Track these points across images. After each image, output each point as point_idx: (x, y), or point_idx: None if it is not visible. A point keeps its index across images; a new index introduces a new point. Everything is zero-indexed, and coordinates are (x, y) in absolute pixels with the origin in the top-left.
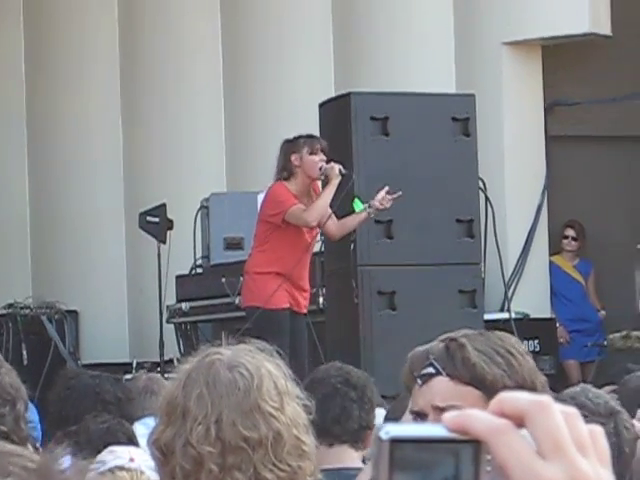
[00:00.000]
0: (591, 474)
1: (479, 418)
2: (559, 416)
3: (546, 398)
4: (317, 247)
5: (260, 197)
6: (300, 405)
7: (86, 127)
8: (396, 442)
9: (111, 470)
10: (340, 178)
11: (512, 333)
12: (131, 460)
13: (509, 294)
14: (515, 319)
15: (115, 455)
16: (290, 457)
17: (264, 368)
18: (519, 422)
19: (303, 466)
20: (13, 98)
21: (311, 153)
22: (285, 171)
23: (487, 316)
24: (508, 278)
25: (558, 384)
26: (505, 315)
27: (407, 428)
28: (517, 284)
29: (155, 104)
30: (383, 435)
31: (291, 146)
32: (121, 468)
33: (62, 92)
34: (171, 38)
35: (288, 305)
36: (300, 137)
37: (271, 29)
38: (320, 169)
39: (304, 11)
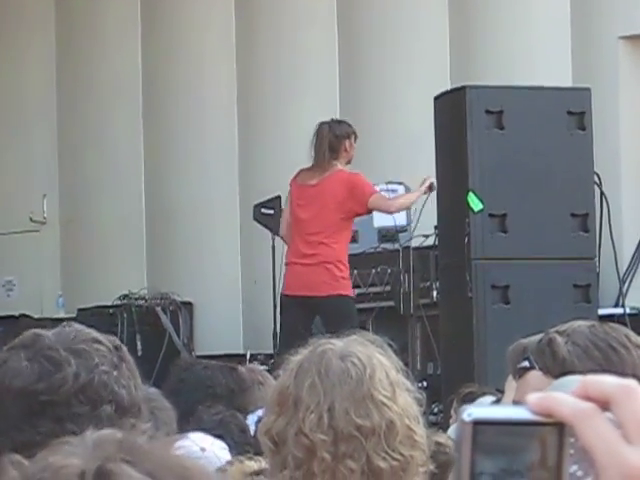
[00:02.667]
0: None
1: (564, 401)
2: None
3: (633, 382)
4: (431, 240)
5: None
6: (411, 397)
7: (202, 120)
8: (479, 424)
9: None
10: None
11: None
12: (202, 450)
13: (624, 289)
14: (630, 314)
15: (185, 447)
16: (402, 446)
17: (375, 358)
18: (604, 406)
19: (415, 456)
20: (129, 96)
21: (355, 140)
22: (333, 154)
23: (601, 311)
24: (623, 273)
25: None
26: (619, 310)
27: (490, 410)
28: (632, 279)
29: (270, 97)
30: (466, 417)
31: (345, 131)
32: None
33: (176, 88)
34: (286, 27)
35: None
36: (344, 122)
37: (387, 22)
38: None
39: (420, 3)
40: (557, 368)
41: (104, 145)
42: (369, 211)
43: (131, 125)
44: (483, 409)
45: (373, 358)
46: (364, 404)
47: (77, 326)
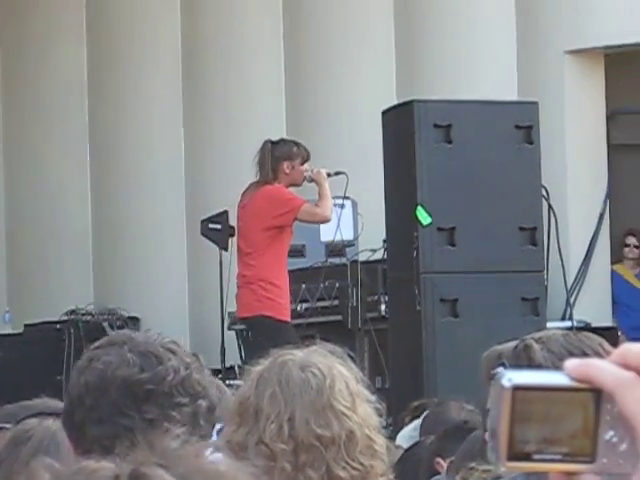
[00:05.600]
0: None
1: (605, 369)
2: None
3: None
4: (379, 255)
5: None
6: (371, 407)
7: (147, 135)
8: (518, 390)
9: None
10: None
11: None
12: None
13: (571, 302)
14: (577, 328)
15: None
16: (362, 456)
17: (336, 369)
18: None
19: (375, 465)
20: (75, 109)
21: (302, 164)
22: (272, 174)
23: (549, 324)
24: (570, 286)
25: None
26: (567, 324)
27: (529, 375)
28: (579, 292)
29: (217, 110)
30: (506, 382)
31: (285, 152)
32: None
33: (123, 102)
34: (233, 44)
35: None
36: (290, 142)
37: (333, 35)
38: (305, 177)
39: (366, 18)
40: None
41: (50, 158)
42: (292, 221)
43: (77, 139)
44: (522, 374)
45: (333, 369)
46: (324, 414)
47: (154, 332)
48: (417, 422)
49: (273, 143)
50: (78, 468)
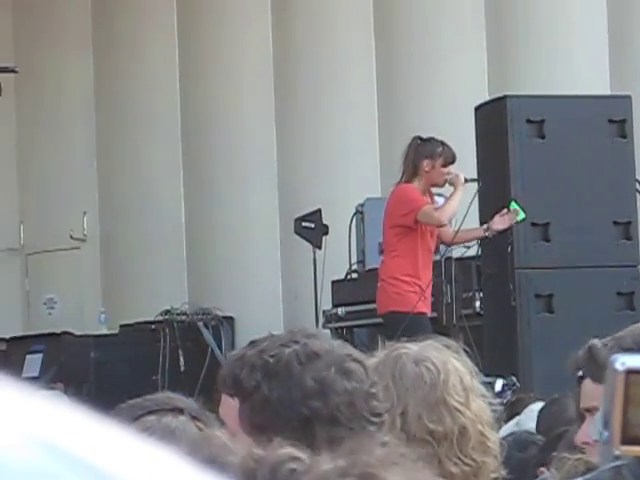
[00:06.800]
0: None
1: None
2: None
3: None
4: (473, 251)
5: None
6: (486, 402)
7: (240, 135)
8: (632, 374)
9: None
10: (465, 185)
11: None
12: None
13: None
14: None
15: None
16: (475, 452)
17: (450, 364)
18: None
19: (487, 462)
20: (168, 113)
21: (443, 165)
22: (412, 169)
23: None
24: None
25: None
26: None
27: None
28: None
29: (309, 109)
30: (619, 366)
31: (428, 151)
32: None
33: (215, 101)
34: (324, 44)
35: (427, 311)
36: (437, 142)
37: (425, 32)
38: (446, 180)
39: (458, 14)
40: (602, 373)
41: (143, 161)
42: (417, 222)
43: (170, 141)
44: (636, 358)
45: (448, 363)
46: (437, 409)
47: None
48: (518, 418)
49: (422, 140)
50: (308, 463)
